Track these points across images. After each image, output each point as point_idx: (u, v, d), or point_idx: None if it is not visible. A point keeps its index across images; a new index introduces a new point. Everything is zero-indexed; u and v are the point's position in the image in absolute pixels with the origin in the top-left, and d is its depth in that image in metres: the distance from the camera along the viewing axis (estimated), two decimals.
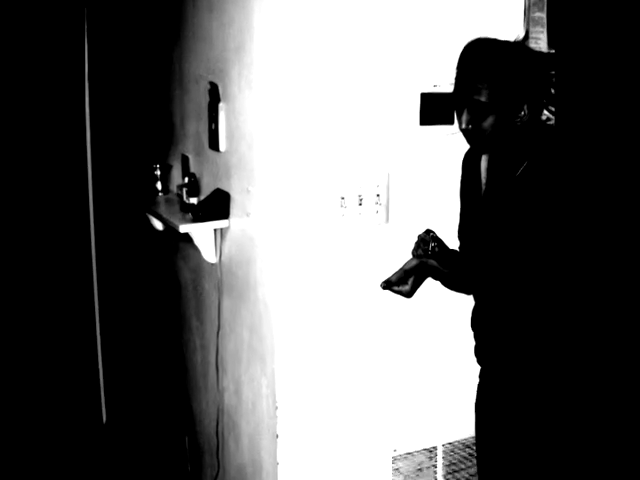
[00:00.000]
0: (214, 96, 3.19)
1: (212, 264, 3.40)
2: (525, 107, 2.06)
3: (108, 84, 4.64)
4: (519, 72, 2.04)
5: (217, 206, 3.19)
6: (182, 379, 4.13)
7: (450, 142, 2.97)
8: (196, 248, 3.36)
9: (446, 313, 3.09)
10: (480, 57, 2.05)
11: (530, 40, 3.02)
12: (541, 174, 2.05)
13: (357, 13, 2.81)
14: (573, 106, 2.88)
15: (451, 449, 3.20)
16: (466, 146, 2.21)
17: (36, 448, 4.42)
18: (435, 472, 3.18)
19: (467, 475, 3.21)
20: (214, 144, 3.23)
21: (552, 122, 2.37)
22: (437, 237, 2.21)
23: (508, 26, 3.02)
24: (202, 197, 3.37)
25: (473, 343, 2.36)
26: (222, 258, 3.31)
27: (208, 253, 3.34)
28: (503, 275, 2.11)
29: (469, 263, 2.22)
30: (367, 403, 3.06)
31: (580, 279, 2.06)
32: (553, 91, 2.11)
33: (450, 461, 3.20)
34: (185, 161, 3.69)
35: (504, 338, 2.21)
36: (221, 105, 3.15)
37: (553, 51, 2.97)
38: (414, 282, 2.19)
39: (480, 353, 2.33)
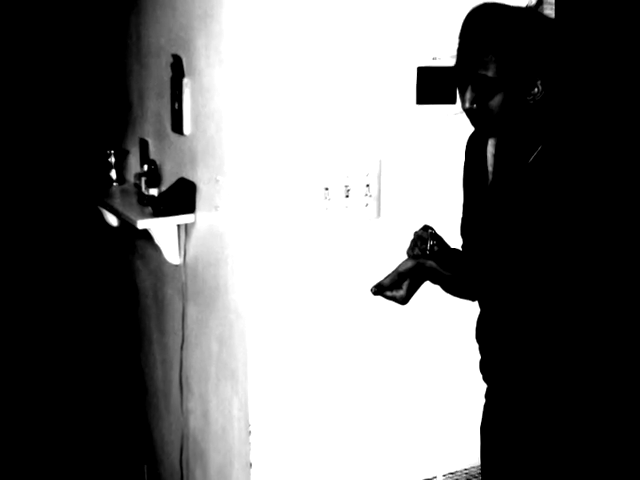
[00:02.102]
0: (177, 71, 3.18)
1: (175, 266, 3.40)
2: (538, 83, 2.06)
3: (53, 56, 4.61)
4: (531, 43, 2.03)
5: (181, 198, 3.19)
6: (140, 399, 4.12)
7: (452, 124, 2.97)
8: (157, 247, 3.35)
9: (447, 323, 3.10)
10: (486, 25, 2.04)
11: (544, 6, 3.02)
12: (557, 161, 2.05)
13: None
14: (593, 82, 2.88)
15: None
16: (470, 128, 2.20)
17: None
18: None
19: None
20: (177, 126, 3.22)
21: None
22: (436, 234, 2.20)
23: None
24: (164, 188, 3.37)
25: (478, 357, 2.36)
26: (187, 259, 3.31)
27: (170, 253, 3.34)
28: (512, 278, 2.11)
29: (473, 264, 2.21)
30: (355, 427, 3.05)
31: (603, 283, 2.05)
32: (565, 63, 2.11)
33: None
34: (144, 146, 3.68)
35: (514, 352, 2.21)
36: (185, 81, 3.15)
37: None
38: (410, 286, 2.18)
39: (486, 369, 2.33)
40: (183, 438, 3.49)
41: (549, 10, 3.00)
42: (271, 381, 2.90)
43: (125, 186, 3.89)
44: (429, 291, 2.29)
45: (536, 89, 2.05)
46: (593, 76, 2.90)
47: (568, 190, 2.02)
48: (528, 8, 2.14)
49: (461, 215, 2.36)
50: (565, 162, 2.03)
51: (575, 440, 2.16)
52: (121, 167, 3.93)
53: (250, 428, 2.89)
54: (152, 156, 3.60)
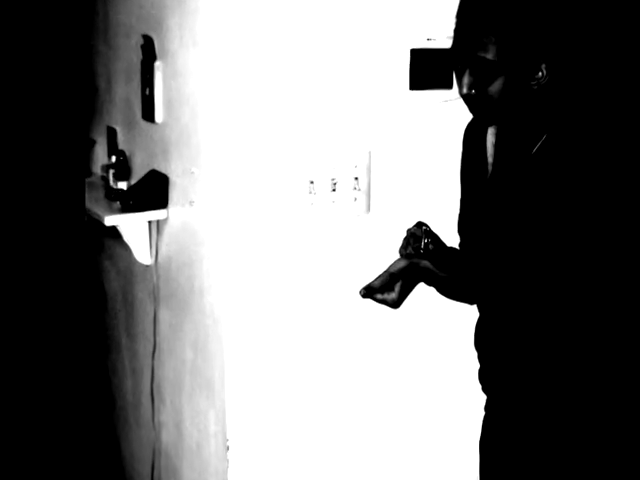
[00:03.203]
0: (148, 53, 3.19)
1: (146, 266, 3.40)
2: (543, 67, 2.05)
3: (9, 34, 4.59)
4: (535, 22, 2.02)
5: (152, 192, 3.19)
6: (108, 411, 4.10)
7: (448, 111, 2.97)
8: (126, 246, 3.35)
9: (442, 329, 3.11)
10: (486, 3, 2.03)
11: None
12: (563, 151, 2.04)
13: None
14: (603, 66, 2.87)
15: None
16: (468, 116, 2.19)
17: None
18: None
19: None
20: (149, 114, 3.23)
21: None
22: (431, 231, 2.20)
23: None
24: (133, 181, 3.37)
25: (477, 366, 2.35)
26: (159, 258, 3.32)
27: (141, 252, 3.34)
28: (515, 279, 2.11)
29: (472, 264, 2.21)
30: (342, 444, 3.05)
31: (614, 283, 2.05)
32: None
33: None
34: (112, 135, 3.68)
35: (516, 360, 2.20)
36: (157, 64, 3.15)
37: None
38: (402, 289, 2.17)
39: (486, 379, 2.32)
40: (154, 454, 3.48)
41: None
42: (251, 392, 2.89)
43: (92, 179, 3.87)
44: (423, 293, 2.29)
45: (540, 73, 2.04)
46: (603, 59, 2.90)
47: (575, 183, 2.00)
48: None
49: (458, 211, 2.35)
50: (572, 153, 2.02)
51: (582, 456, 2.15)
52: (87, 158, 3.92)
53: (228, 443, 2.89)
54: (121, 146, 3.59)
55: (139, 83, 3.27)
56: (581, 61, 2.23)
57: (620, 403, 2.13)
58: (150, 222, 3.29)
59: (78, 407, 4.46)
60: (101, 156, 3.85)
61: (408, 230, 2.20)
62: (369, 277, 2.17)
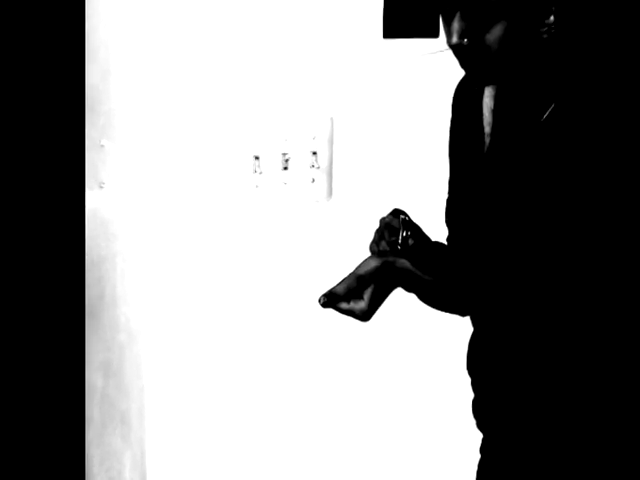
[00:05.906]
0: None
1: None
2: (554, 10, 2.02)
3: None
4: None
5: None
6: None
7: (432, 66, 2.97)
8: None
9: (425, 347, 3.11)
10: None
11: None
12: (581, 119, 2.03)
13: None
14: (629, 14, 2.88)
15: None
16: (460, 73, 2.17)
17: None
18: None
19: None
20: None
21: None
22: (411, 222, 2.20)
23: None
24: None
25: (471, 396, 2.33)
26: None
27: None
28: (517, 280, 2.09)
29: (463, 263, 2.21)
30: None
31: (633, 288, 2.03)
32: None
33: None
34: None
35: (520, 388, 2.19)
36: None
37: None
38: (373, 295, 2.15)
39: (482, 412, 2.32)
40: None
41: None
42: (177, 429, 2.91)
43: None
44: (401, 301, 2.28)
45: (552, 17, 2.03)
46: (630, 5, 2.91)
47: (597, 159, 1.99)
48: None
49: (447, 195, 2.36)
50: (592, 120, 2.01)
51: None
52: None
53: None
54: None
55: None
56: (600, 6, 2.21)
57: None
58: None
59: None
60: None
61: (381, 220, 2.20)
62: (331, 281, 2.15)
